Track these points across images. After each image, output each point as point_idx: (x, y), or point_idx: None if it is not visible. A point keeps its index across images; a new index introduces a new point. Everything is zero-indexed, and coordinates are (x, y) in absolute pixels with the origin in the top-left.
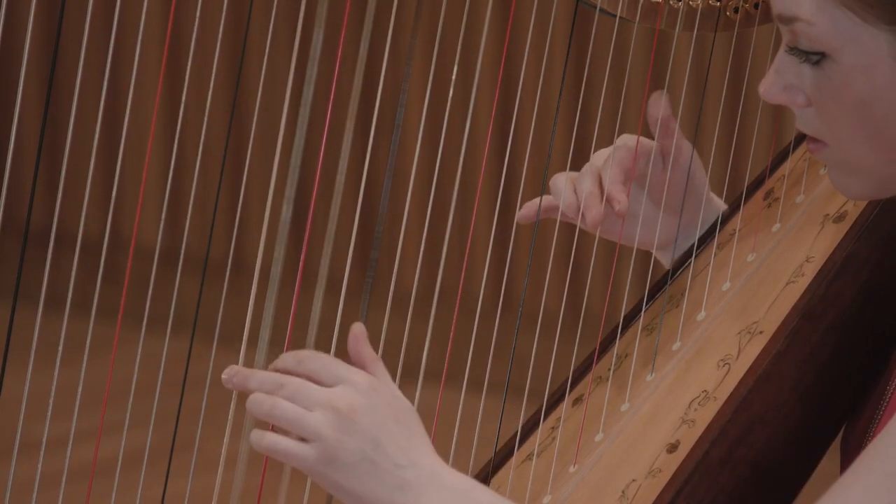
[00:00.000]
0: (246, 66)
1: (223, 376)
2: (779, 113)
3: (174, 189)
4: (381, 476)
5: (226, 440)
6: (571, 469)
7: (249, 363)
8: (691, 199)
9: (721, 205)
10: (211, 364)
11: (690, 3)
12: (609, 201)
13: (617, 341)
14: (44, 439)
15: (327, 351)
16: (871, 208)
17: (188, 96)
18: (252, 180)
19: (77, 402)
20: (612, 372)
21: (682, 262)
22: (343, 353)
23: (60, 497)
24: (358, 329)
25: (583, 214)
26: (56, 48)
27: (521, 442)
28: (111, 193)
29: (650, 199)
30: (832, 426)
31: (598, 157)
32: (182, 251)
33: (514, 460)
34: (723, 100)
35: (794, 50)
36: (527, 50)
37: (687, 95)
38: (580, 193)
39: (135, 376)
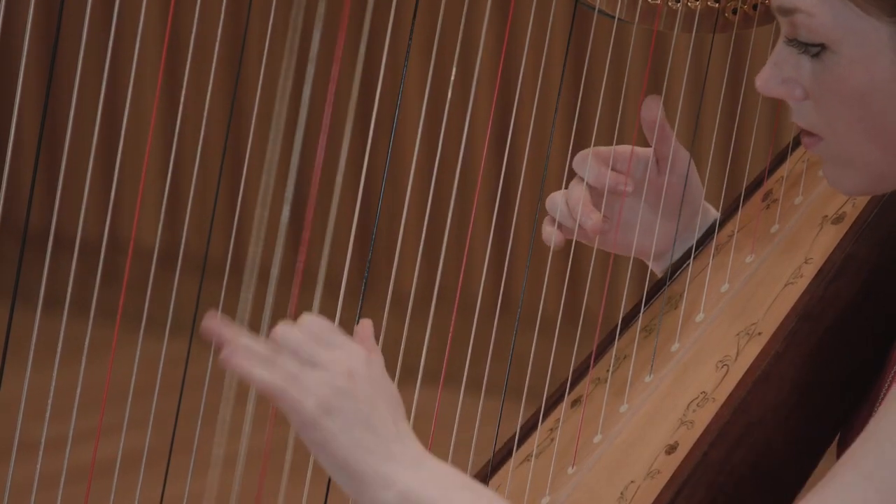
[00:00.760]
0: (245, 65)
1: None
2: (777, 114)
3: (173, 190)
4: (372, 441)
5: (224, 440)
6: (570, 470)
7: None
8: (688, 209)
9: (715, 214)
10: (209, 365)
11: (689, 4)
12: (582, 222)
13: (616, 342)
14: (42, 440)
15: None
16: (870, 209)
17: (187, 96)
18: (251, 181)
19: (76, 403)
20: (610, 373)
21: (680, 263)
22: None
23: (59, 498)
24: (366, 324)
25: (580, 226)
26: (55, 47)
27: (520, 443)
28: (110, 194)
29: (647, 204)
30: (831, 427)
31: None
32: (181, 252)
33: (512, 461)
34: (721, 101)
35: (794, 42)
36: (526, 50)
37: (685, 97)
38: (572, 206)
39: (134, 377)
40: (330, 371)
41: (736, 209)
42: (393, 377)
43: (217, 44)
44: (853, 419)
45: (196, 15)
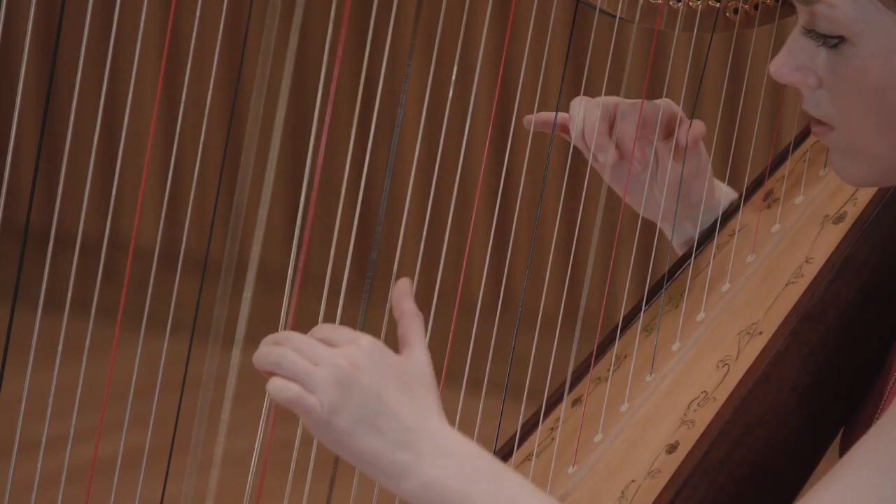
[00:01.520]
0: (245, 65)
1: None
2: (778, 114)
3: (173, 189)
4: (381, 434)
5: (223, 440)
6: (570, 469)
7: (246, 363)
8: (688, 203)
9: (729, 192)
10: (209, 364)
11: (690, 3)
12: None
13: (616, 342)
14: (43, 439)
15: None
16: (871, 209)
17: (187, 96)
18: (251, 179)
19: (76, 402)
20: (611, 372)
21: (681, 262)
22: None
23: (60, 496)
24: (404, 283)
25: (595, 156)
26: (56, 48)
27: (521, 442)
28: (110, 194)
29: (654, 179)
30: (832, 427)
31: (623, 102)
32: (181, 251)
33: (513, 460)
34: (722, 101)
35: (812, 33)
36: (526, 50)
37: (685, 96)
38: (588, 128)
39: (134, 376)
40: (333, 367)
41: (737, 209)
42: None
43: (218, 43)
44: (855, 418)
45: (197, 14)
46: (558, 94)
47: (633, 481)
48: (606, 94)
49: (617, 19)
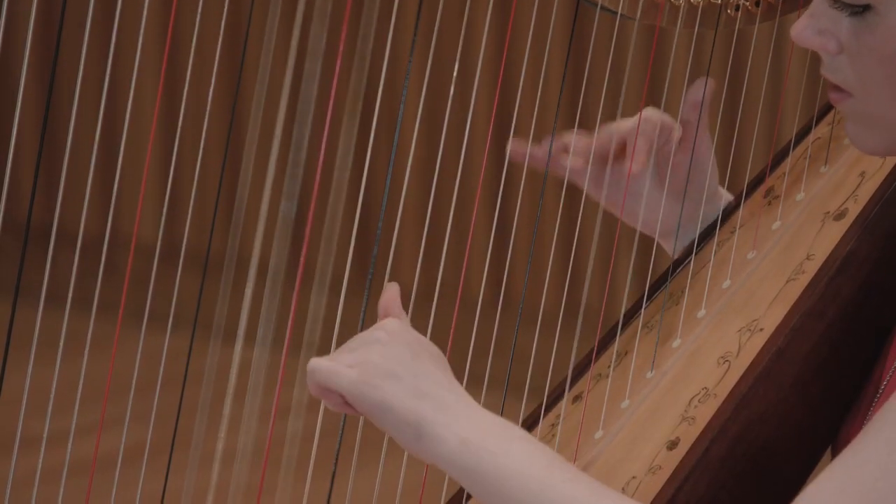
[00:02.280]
0: (246, 64)
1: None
2: (778, 110)
3: (174, 186)
4: (422, 396)
5: (223, 435)
6: None
7: (247, 359)
8: (694, 195)
9: (727, 195)
10: (210, 360)
11: (692, 0)
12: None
13: (617, 338)
14: (44, 435)
15: (328, 349)
16: (872, 206)
17: (188, 93)
18: (252, 177)
19: (77, 398)
20: (611, 369)
21: (682, 259)
22: None
23: (61, 492)
24: (392, 287)
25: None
26: (57, 47)
27: None
28: (111, 191)
29: (657, 180)
30: (832, 423)
31: (622, 123)
32: (182, 248)
33: None
34: (723, 98)
35: (838, 2)
36: (527, 48)
37: (686, 95)
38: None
39: (135, 372)
40: (377, 342)
41: (738, 205)
42: None
43: (219, 41)
44: (852, 415)
45: (198, 13)
46: (559, 93)
47: (633, 477)
48: (607, 92)
49: (618, 16)
